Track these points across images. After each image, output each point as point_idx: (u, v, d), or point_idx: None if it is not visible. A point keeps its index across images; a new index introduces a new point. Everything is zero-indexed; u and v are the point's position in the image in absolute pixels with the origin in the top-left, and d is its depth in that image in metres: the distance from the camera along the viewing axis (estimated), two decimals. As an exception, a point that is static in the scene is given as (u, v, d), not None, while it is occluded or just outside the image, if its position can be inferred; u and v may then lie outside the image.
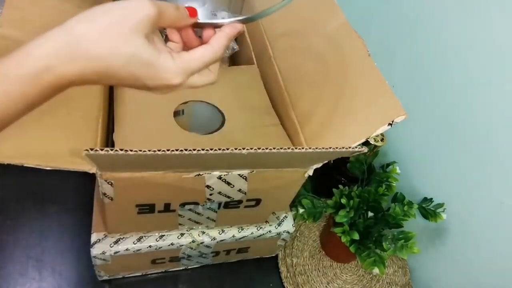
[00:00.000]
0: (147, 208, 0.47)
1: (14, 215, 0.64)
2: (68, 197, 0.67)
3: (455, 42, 0.58)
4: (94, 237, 0.52)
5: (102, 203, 0.45)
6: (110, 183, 0.41)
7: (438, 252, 0.65)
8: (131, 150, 0.33)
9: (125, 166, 0.39)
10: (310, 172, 0.49)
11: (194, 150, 0.34)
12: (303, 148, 0.39)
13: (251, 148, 0.36)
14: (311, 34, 0.57)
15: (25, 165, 0.35)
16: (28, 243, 0.61)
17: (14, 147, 0.36)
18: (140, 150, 0.33)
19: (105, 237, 0.52)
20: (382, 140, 0.68)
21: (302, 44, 0.58)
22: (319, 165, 0.48)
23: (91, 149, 0.32)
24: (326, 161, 0.47)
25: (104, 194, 0.43)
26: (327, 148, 0.40)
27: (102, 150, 0.32)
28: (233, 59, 0.79)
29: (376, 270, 0.55)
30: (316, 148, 0.39)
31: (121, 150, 0.33)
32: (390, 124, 0.42)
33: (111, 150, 0.32)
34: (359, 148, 0.42)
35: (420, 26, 0.64)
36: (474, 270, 0.60)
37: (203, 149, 0.35)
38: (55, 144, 0.39)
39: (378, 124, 0.42)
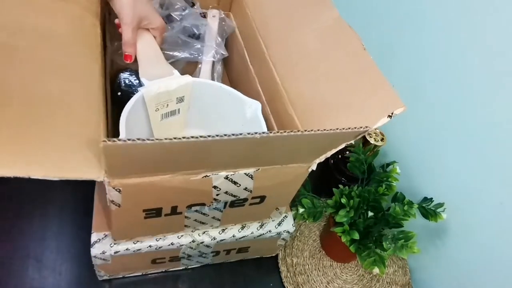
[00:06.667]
0: (154, 212, 0.47)
1: (14, 215, 0.64)
2: (68, 197, 0.67)
3: (455, 42, 0.58)
4: (94, 237, 0.52)
5: (109, 211, 0.45)
6: (118, 190, 0.40)
7: (438, 252, 0.65)
8: (148, 139, 0.32)
9: (136, 165, 0.38)
10: (314, 166, 0.49)
11: (209, 136, 0.34)
12: (311, 130, 0.38)
13: (263, 132, 0.36)
14: (305, 30, 0.57)
15: (32, 177, 0.34)
16: (28, 243, 0.61)
17: (18, 159, 0.35)
18: (157, 139, 0.33)
19: (105, 237, 0.52)
20: (382, 140, 0.68)
21: (297, 40, 0.58)
22: (322, 159, 0.48)
23: (109, 140, 0.31)
24: (329, 156, 0.48)
25: (112, 201, 0.42)
26: (334, 129, 0.40)
27: (119, 140, 0.32)
28: (226, 61, 0.78)
29: (376, 270, 0.55)
30: (324, 129, 0.39)
31: (139, 139, 0.32)
32: (390, 116, 0.42)
33: (129, 140, 0.32)
34: (364, 128, 0.42)
35: (420, 27, 0.64)
36: (474, 270, 0.60)
37: (217, 135, 0.35)
38: (59, 154, 0.37)
39: (378, 117, 0.43)
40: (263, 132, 0.37)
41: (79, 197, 0.65)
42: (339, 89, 0.50)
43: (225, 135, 0.35)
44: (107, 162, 0.36)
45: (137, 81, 0.63)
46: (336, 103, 0.49)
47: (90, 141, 0.39)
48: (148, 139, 0.32)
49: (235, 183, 0.46)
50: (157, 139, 0.33)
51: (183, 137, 0.34)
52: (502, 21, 0.51)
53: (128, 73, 0.65)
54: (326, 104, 0.50)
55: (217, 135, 0.35)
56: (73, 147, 0.38)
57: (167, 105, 0.58)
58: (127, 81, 0.64)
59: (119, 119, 0.59)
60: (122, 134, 0.47)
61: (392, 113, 0.42)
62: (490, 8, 0.52)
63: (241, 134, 0.36)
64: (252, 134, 0.36)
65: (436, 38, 0.61)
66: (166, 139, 0.33)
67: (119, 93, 0.63)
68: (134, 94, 0.61)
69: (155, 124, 0.58)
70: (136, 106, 0.53)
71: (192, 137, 0.34)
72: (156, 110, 0.56)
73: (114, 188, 0.40)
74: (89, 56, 0.49)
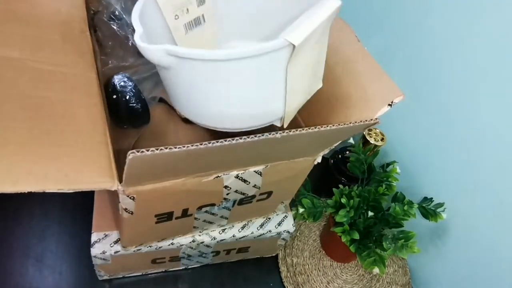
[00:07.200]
0: (165, 217, 0.47)
1: (14, 215, 0.64)
2: (68, 197, 0.67)
3: (454, 42, 0.58)
4: (94, 236, 0.52)
5: (120, 219, 0.45)
6: (132, 197, 0.40)
7: (439, 251, 0.65)
8: (175, 147, 0.32)
9: (153, 172, 0.38)
10: (319, 159, 0.50)
11: (233, 140, 0.34)
12: (327, 126, 0.39)
13: (283, 132, 0.36)
14: None
15: (46, 191, 0.34)
16: (28, 243, 0.61)
17: (31, 174, 0.35)
18: (184, 146, 0.32)
19: (105, 237, 0.52)
20: (382, 139, 0.68)
21: None
22: (326, 151, 0.49)
23: (138, 151, 0.31)
24: (333, 147, 0.48)
25: (125, 209, 0.42)
26: (347, 123, 0.40)
27: (147, 150, 0.31)
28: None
29: (376, 270, 0.55)
30: (339, 124, 0.39)
31: (166, 148, 0.32)
32: (389, 104, 0.42)
33: (157, 149, 0.32)
34: (374, 120, 0.42)
35: (419, 27, 0.64)
36: (474, 270, 0.60)
37: (240, 138, 0.35)
38: (70, 166, 0.37)
39: (379, 106, 0.43)
40: (283, 131, 0.36)
41: (79, 197, 0.65)
42: (337, 82, 0.50)
43: (247, 137, 0.35)
44: (128, 172, 0.35)
45: (131, 82, 0.63)
46: (335, 94, 0.49)
47: (99, 151, 0.39)
48: (175, 147, 0.32)
49: (245, 181, 0.47)
50: (183, 146, 0.32)
51: (209, 142, 0.33)
52: (502, 21, 0.51)
53: (121, 75, 0.64)
54: (325, 96, 0.50)
55: (240, 138, 0.35)
56: (83, 158, 0.38)
57: (187, 9, 0.48)
58: (122, 83, 0.63)
59: (116, 123, 0.59)
60: (139, 29, 0.38)
61: (392, 102, 0.42)
62: (490, 8, 0.52)
63: (263, 135, 0.35)
64: (273, 134, 0.36)
65: (435, 39, 0.61)
66: (192, 145, 0.33)
67: (114, 96, 0.62)
68: (129, 94, 0.60)
69: (180, 40, 0.48)
70: (147, 8, 0.43)
71: (217, 141, 0.34)
72: (176, 18, 0.46)
73: (128, 196, 0.40)
74: (83, 64, 0.49)
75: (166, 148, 0.32)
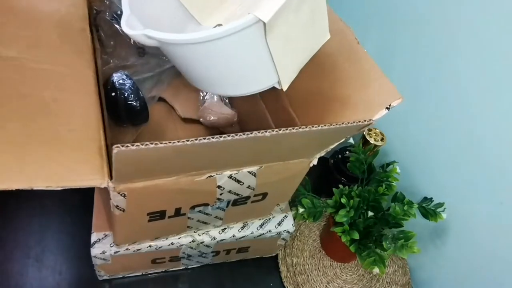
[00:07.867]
0: (157, 215, 0.47)
1: (14, 215, 0.64)
2: (68, 197, 0.67)
3: (454, 42, 0.58)
4: (94, 236, 0.52)
5: (112, 216, 0.45)
6: (123, 195, 0.40)
7: (438, 251, 0.65)
8: (160, 143, 0.32)
9: (143, 169, 0.38)
10: (315, 161, 0.49)
11: (220, 137, 0.34)
12: (318, 126, 0.38)
13: (273, 130, 0.36)
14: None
15: (34, 188, 0.34)
16: (28, 243, 0.61)
17: (20, 171, 0.35)
18: (170, 142, 0.32)
19: (105, 237, 0.52)
20: (382, 139, 0.68)
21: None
22: (322, 153, 0.48)
23: (122, 146, 0.31)
24: (329, 149, 0.48)
25: (116, 206, 0.42)
26: (340, 124, 0.40)
27: (132, 145, 0.31)
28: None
29: (376, 270, 0.55)
30: (331, 124, 0.39)
31: (151, 143, 0.32)
32: (387, 108, 0.42)
33: (142, 144, 0.31)
34: (368, 121, 0.42)
35: (419, 28, 0.64)
36: (474, 270, 0.60)
37: (228, 136, 0.34)
38: (61, 163, 0.37)
39: (376, 109, 0.43)
40: (273, 130, 0.36)
41: (79, 196, 0.65)
42: (335, 83, 0.49)
43: (236, 134, 0.35)
44: (117, 167, 0.35)
45: (129, 80, 0.63)
46: (333, 96, 0.49)
47: (90, 148, 0.39)
48: (160, 143, 0.32)
49: (238, 181, 0.46)
50: (169, 142, 0.32)
51: (195, 139, 0.33)
52: (501, 21, 0.51)
53: (120, 73, 0.64)
54: (323, 98, 0.50)
55: (228, 136, 0.34)
56: (75, 156, 0.38)
57: None
58: (120, 81, 0.63)
59: (115, 122, 0.59)
60: (126, 12, 0.40)
61: (390, 105, 0.42)
62: (490, 7, 0.52)
63: (251, 133, 0.35)
64: (262, 132, 0.36)
65: (435, 39, 0.61)
66: (178, 141, 0.33)
67: (113, 94, 0.63)
68: (128, 92, 0.61)
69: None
70: None
71: (204, 138, 0.34)
72: None
73: (119, 193, 0.40)
74: (81, 63, 0.49)
75: (152, 144, 0.32)
